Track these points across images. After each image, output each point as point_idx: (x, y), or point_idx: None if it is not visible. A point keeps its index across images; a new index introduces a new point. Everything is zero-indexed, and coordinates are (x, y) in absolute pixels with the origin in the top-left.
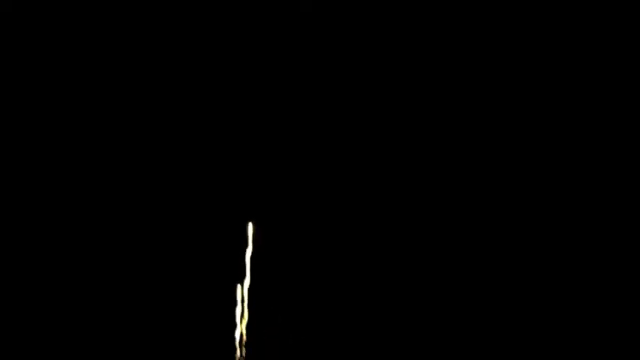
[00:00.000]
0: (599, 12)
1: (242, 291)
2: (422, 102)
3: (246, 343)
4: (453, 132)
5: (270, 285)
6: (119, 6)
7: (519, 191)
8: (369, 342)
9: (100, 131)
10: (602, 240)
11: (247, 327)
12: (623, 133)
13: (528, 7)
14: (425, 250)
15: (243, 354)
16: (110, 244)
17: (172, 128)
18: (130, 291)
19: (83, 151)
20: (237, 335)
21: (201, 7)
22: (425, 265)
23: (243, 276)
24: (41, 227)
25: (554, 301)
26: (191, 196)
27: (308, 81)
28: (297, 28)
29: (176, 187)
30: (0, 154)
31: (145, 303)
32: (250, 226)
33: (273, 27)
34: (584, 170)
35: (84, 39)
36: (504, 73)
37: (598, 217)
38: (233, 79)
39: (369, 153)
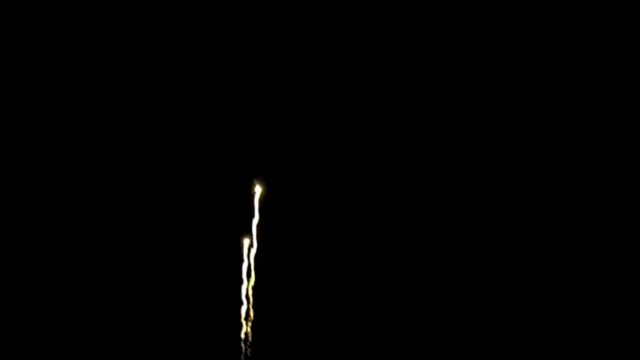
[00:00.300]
0: (599, 12)
1: (247, 289)
2: (417, 97)
3: (251, 342)
4: (451, 130)
5: (274, 284)
6: (119, 6)
7: (519, 191)
8: (372, 337)
9: (104, 106)
10: (601, 240)
11: (252, 325)
12: (623, 133)
13: (528, 7)
14: (430, 228)
15: (249, 353)
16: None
17: (178, 111)
18: (134, 285)
19: (84, 134)
20: (242, 335)
21: (202, 7)
22: (430, 247)
23: (249, 275)
24: (44, 222)
25: (553, 301)
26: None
27: (307, 77)
28: (298, 28)
29: (179, 188)
30: (0, 153)
31: (150, 292)
32: (254, 229)
33: (273, 27)
34: (584, 170)
35: (84, 39)
36: (504, 73)
37: (597, 216)
38: (235, 73)
39: (366, 146)
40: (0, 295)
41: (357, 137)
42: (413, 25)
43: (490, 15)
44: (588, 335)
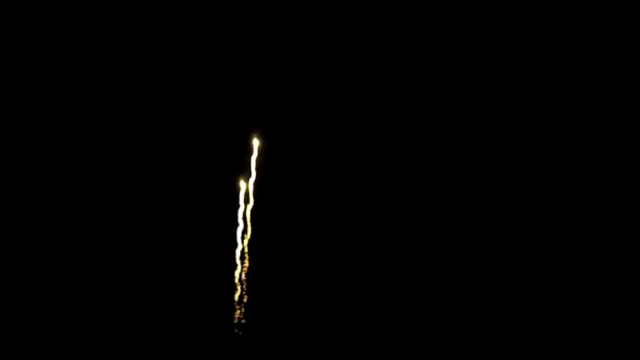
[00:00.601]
0: (599, 12)
1: (240, 273)
2: (417, 96)
3: (243, 326)
4: (450, 129)
5: (269, 266)
6: (119, 6)
7: (519, 191)
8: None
9: (102, 100)
10: (602, 240)
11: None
12: (623, 133)
13: (528, 7)
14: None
15: (241, 334)
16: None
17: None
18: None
19: (83, 130)
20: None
21: (203, 7)
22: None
23: (242, 259)
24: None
25: (554, 301)
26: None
27: (307, 77)
28: (298, 27)
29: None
30: None
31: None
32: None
33: (273, 27)
34: (584, 170)
35: (84, 39)
36: (504, 73)
37: (598, 217)
38: (234, 73)
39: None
40: None
41: (358, 135)
42: (413, 25)
43: (490, 15)
44: (588, 335)
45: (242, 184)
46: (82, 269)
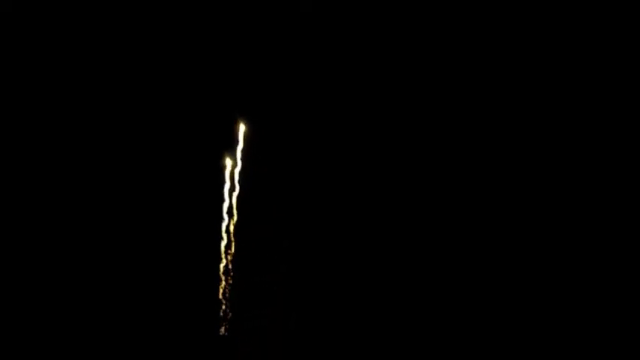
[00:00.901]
0: (599, 12)
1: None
2: (417, 96)
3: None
4: (449, 128)
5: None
6: (119, 6)
7: (519, 191)
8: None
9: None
10: (602, 240)
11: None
12: (623, 133)
13: (528, 7)
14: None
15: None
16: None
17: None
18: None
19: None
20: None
21: (203, 7)
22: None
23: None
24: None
25: (554, 301)
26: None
27: (307, 78)
28: (298, 27)
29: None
30: None
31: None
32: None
33: (273, 27)
34: (584, 170)
35: (84, 39)
36: (504, 73)
37: (598, 217)
38: (233, 74)
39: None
40: None
41: (356, 134)
42: (413, 25)
43: (490, 15)
44: (588, 335)
45: (226, 197)
46: (58, 280)
